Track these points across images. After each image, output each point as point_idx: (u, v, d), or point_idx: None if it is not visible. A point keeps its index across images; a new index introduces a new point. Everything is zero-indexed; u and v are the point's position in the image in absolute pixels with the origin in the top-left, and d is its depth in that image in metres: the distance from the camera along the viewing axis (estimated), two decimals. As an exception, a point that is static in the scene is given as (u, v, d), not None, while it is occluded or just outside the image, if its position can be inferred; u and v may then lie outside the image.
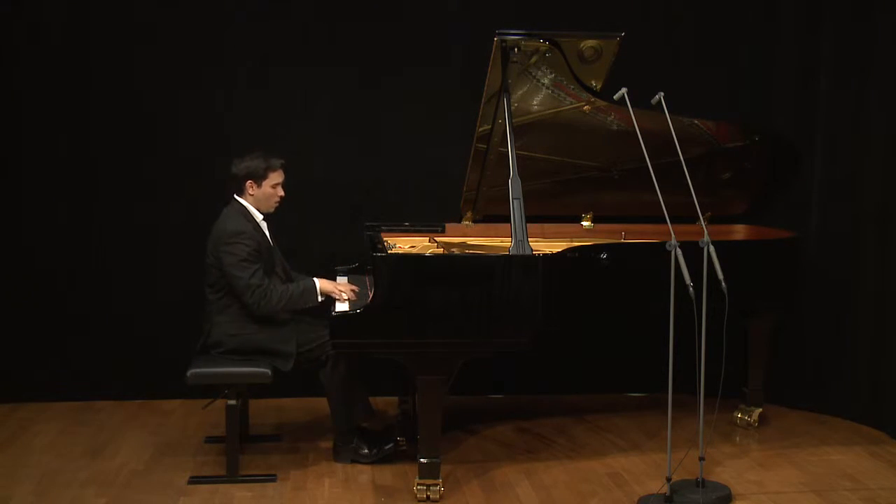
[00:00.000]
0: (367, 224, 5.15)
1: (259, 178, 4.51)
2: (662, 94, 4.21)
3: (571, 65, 4.48)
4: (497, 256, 4.15)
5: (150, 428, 5.09)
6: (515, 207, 4.14)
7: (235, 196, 4.56)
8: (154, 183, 5.42)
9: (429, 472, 4.13)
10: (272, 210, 4.59)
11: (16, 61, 5.28)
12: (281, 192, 4.57)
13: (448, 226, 5.19)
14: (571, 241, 4.94)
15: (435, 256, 4.31)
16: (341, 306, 4.37)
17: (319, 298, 4.49)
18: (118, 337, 5.47)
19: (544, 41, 4.37)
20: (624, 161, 5.02)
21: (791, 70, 5.40)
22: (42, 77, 5.30)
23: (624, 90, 4.18)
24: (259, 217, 4.56)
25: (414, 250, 4.81)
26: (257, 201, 4.54)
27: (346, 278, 4.92)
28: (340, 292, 4.47)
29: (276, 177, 4.54)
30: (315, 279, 4.51)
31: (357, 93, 5.47)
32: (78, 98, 5.34)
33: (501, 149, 4.71)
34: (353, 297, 4.47)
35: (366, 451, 4.57)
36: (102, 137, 5.38)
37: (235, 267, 4.38)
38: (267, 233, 4.59)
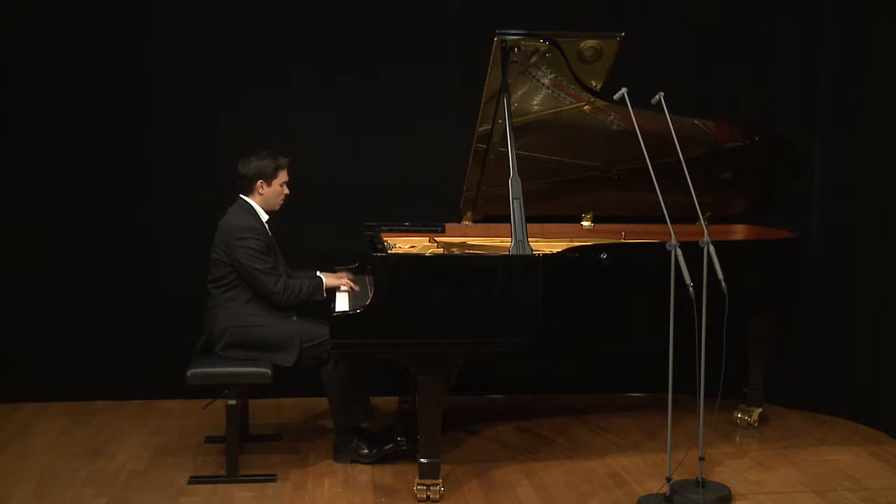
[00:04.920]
0: (367, 224, 5.16)
1: (269, 178, 4.56)
2: (662, 93, 4.21)
3: (571, 65, 4.48)
4: (497, 256, 4.14)
5: (150, 428, 5.09)
6: (515, 207, 4.14)
7: (242, 195, 4.58)
8: (155, 183, 5.42)
9: (429, 472, 4.13)
10: (277, 208, 4.63)
11: (15, 59, 5.28)
12: (287, 191, 4.63)
13: (448, 226, 5.20)
14: (571, 241, 4.94)
15: (435, 256, 4.30)
16: (341, 306, 4.39)
17: (325, 294, 4.60)
18: (118, 337, 5.47)
19: (544, 41, 4.37)
20: (624, 161, 5.01)
21: (791, 70, 5.40)
22: (42, 76, 5.30)
23: (624, 90, 4.18)
24: (265, 217, 4.59)
25: (414, 250, 4.81)
26: (266, 200, 4.58)
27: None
28: (340, 284, 4.62)
29: (284, 175, 4.62)
30: (321, 275, 4.64)
31: (357, 92, 5.46)
32: (78, 99, 5.34)
33: (501, 149, 4.70)
34: (355, 287, 4.61)
35: (366, 451, 4.57)
36: (102, 137, 5.38)
37: (255, 259, 4.45)
38: (269, 233, 4.61)
